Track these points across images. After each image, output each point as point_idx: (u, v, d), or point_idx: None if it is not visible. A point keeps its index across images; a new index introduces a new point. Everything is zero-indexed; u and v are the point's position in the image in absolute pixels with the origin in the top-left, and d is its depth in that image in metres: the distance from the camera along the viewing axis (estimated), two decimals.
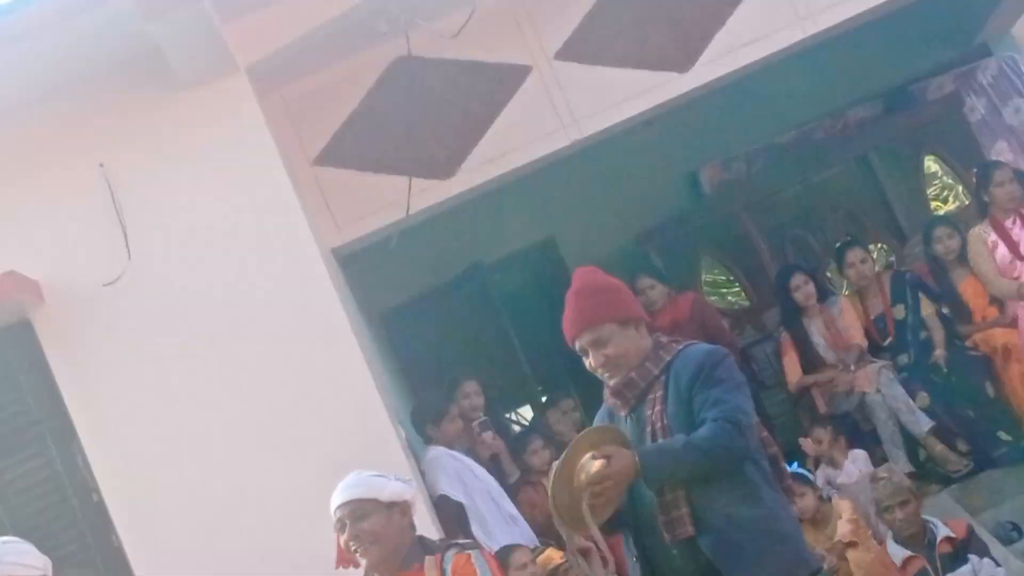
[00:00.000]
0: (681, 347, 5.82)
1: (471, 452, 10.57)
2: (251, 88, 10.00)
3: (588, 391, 13.97)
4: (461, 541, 5.25)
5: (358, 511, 5.18)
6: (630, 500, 5.62)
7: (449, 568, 4.98)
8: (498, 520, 10.20)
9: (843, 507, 10.02)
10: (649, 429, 5.67)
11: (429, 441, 10.39)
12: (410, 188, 10.84)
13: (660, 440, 5.60)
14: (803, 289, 12.02)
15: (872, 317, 11.81)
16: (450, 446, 10.38)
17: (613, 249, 14.74)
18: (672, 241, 13.86)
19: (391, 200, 10.92)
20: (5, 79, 9.45)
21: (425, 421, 10.58)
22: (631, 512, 5.66)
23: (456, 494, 9.85)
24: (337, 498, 5.24)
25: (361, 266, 11.78)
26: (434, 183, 11.00)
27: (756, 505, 5.48)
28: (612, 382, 5.83)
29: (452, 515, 9.78)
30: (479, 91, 11.15)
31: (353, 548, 5.21)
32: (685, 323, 12.24)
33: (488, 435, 11.17)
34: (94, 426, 9.53)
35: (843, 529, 9.88)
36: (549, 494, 5.70)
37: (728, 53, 11.27)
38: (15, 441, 9.89)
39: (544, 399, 13.91)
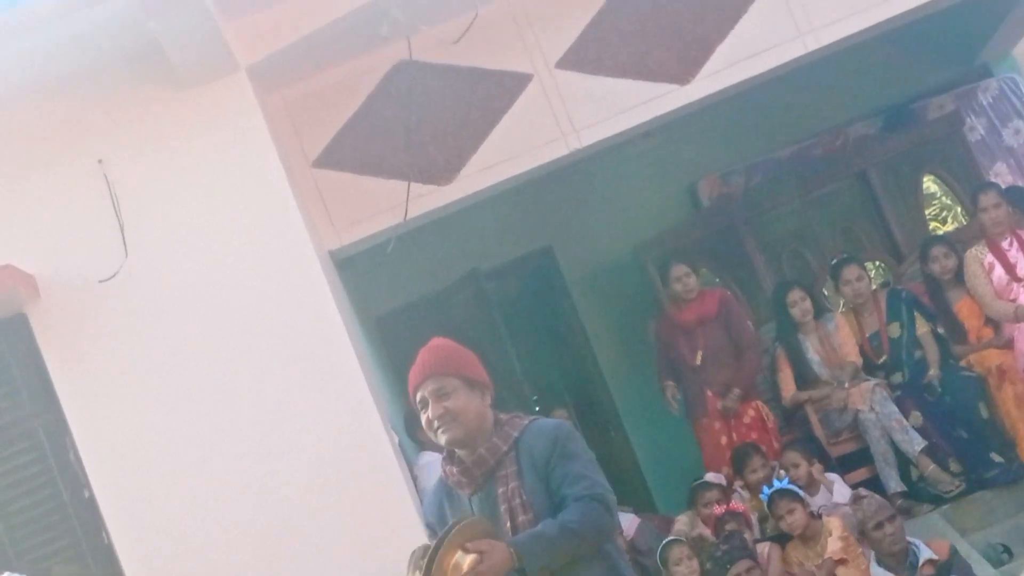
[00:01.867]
0: (526, 422, 5.72)
1: None
2: (252, 88, 10.06)
3: (581, 400, 13.99)
4: None
5: None
6: None
7: None
8: None
9: (834, 524, 10.01)
10: (505, 507, 5.56)
11: (422, 446, 10.44)
12: (408, 193, 10.86)
13: (520, 517, 5.48)
14: (800, 305, 12.10)
15: (867, 335, 11.86)
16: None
17: (610, 259, 15.04)
18: (669, 253, 13.62)
19: (389, 204, 10.94)
20: (4, 73, 9.47)
21: (418, 426, 10.55)
22: None
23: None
24: None
25: (357, 270, 11.82)
26: (432, 188, 11.03)
27: (612, 566, 5.53)
28: (444, 438, 5.59)
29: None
30: (479, 97, 11.21)
31: None
32: (711, 320, 12.55)
33: None
34: (87, 421, 9.61)
35: (834, 547, 9.87)
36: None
37: (729, 66, 11.28)
38: (7, 435, 9.90)
39: (537, 408, 13.82)
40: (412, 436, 10.70)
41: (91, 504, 9.59)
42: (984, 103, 14.51)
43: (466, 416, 5.49)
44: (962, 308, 11.58)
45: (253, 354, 9.68)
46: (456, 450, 5.61)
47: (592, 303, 15.15)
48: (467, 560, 5.17)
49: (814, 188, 14.97)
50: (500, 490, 5.51)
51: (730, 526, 10.37)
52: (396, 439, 10.08)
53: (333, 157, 10.99)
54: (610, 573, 5.48)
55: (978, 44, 14.48)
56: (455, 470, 5.61)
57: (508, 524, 5.44)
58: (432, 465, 9.77)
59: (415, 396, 5.67)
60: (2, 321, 9.82)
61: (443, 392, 5.51)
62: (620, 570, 5.57)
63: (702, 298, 12.47)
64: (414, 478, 10.07)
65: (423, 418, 5.68)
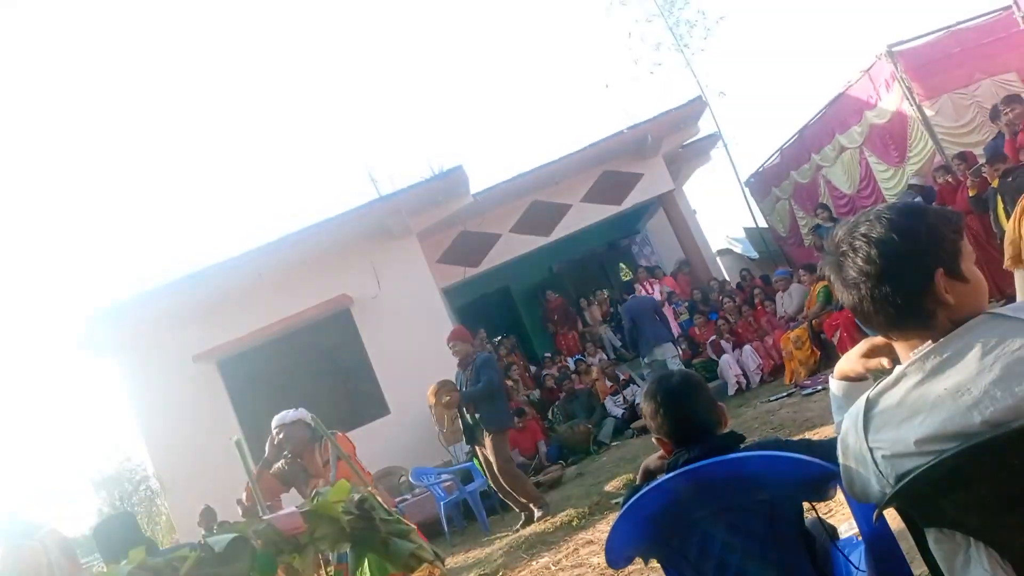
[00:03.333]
0: (479, 352, 5.98)
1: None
2: (417, 239, 10.08)
3: (516, 337, 14.02)
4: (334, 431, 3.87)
5: (283, 430, 3.87)
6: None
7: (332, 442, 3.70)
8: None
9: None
10: (466, 380, 5.80)
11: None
12: (465, 270, 11.24)
13: (468, 385, 5.77)
14: (589, 310, 12.49)
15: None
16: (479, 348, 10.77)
17: (526, 291, 14.23)
18: (546, 287, 13.44)
19: (458, 273, 11.17)
20: (340, 240, 9.60)
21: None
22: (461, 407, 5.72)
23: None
24: (274, 424, 4.00)
25: (451, 294, 11.45)
26: (471, 269, 11.26)
27: (495, 402, 5.71)
28: (459, 359, 5.91)
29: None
30: (484, 242, 11.37)
31: (283, 449, 3.94)
32: (563, 307, 12.50)
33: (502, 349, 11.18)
34: (375, 350, 9.71)
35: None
36: (431, 402, 5.77)
37: (563, 230, 11.42)
38: (344, 353, 9.85)
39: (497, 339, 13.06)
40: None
41: (376, 382, 9.63)
42: (638, 241, 14.69)
43: (462, 351, 5.89)
44: None
45: (421, 323, 9.60)
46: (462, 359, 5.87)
47: (525, 309, 14.31)
48: (446, 396, 5.70)
49: (588, 268, 14.77)
50: (467, 373, 5.85)
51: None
52: None
53: (443, 259, 11.15)
54: (493, 401, 5.73)
55: (636, 223, 14.31)
56: (459, 363, 6.00)
57: (463, 386, 5.82)
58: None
59: (448, 343, 5.99)
60: (341, 311, 9.73)
61: (455, 348, 5.93)
62: (496, 399, 5.75)
63: (557, 299, 12.55)
64: None
65: (453, 351, 5.97)
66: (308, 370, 9.89)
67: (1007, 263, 1.61)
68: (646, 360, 8.80)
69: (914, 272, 1.16)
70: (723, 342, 9.32)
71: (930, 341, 1.17)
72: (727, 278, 12.64)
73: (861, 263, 1.18)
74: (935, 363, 1.14)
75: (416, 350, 9.48)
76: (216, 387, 9.67)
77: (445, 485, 6.99)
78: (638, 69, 21.67)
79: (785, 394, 7.43)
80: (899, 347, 1.23)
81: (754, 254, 14.38)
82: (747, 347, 9.00)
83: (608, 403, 9.54)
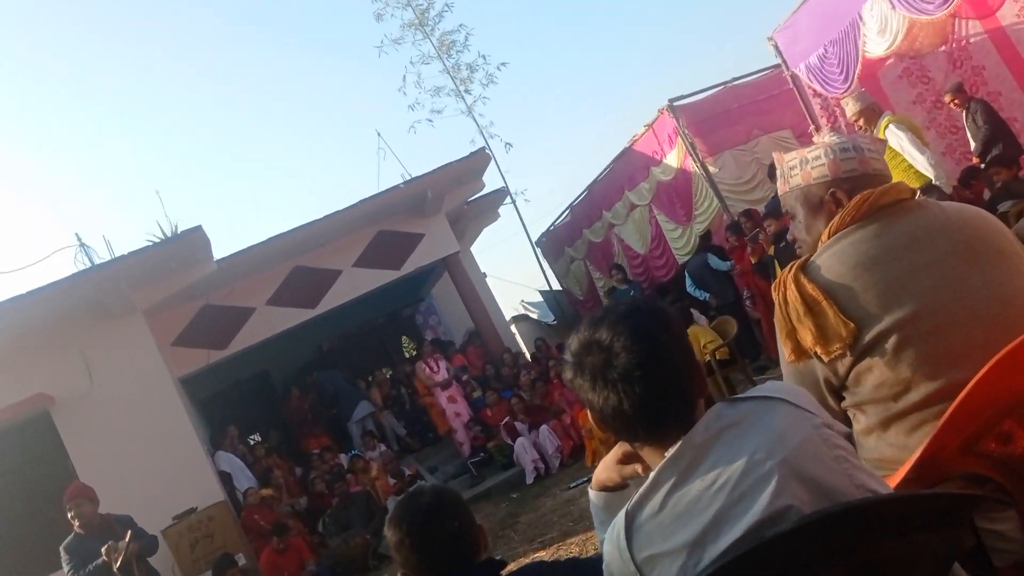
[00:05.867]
0: (114, 514, 5.44)
1: (236, 455, 9.79)
2: (144, 318, 9.30)
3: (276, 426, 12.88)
4: None
5: None
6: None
7: None
8: (243, 481, 9.45)
9: None
10: (128, 540, 5.11)
11: (217, 451, 9.64)
12: (209, 353, 10.37)
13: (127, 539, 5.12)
14: (368, 393, 11.49)
15: None
16: (226, 450, 9.64)
17: (291, 374, 13.37)
18: (312, 368, 12.91)
19: (201, 357, 10.30)
20: (36, 323, 8.66)
21: (216, 443, 9.93)
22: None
23: (228, 469, 9.25)
24: None
25: (192, 383, 10.64)
26: (217, 352, 10.43)
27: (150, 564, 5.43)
28: (81, 523, 5.26)
29: (225, 478, 9.22)
30: (230, 321, 10.58)
31: None
32: (312, 407, 11.71)
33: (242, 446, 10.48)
34: (84, 462, 8.55)
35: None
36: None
37: (333, 300, 10.94)
38: (42, 469, 8.90)
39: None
40: (214, 446, 9.81)
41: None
42: (422, 310, 14.48)
43: (89, 511, 5.23)
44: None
45: (148, 424, 8.85)
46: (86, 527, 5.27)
47: (278, 390, 13.17)
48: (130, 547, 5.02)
49: (365, 343, 14.28)
50: (101, 536, 5.13)
51: None
52: (206, 448, 9.40)
53: (179, 341, 10.24)
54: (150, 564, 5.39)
55: (419, 290, 14.13)
56: (82, 527, 5.24)
57: (94, 556, 5.04)
58: (222, 457, 9.51)
59: (65, 505, 5.36)
60: (40, 416, 8.79)
61: (80, 508, 5.25)
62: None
63: (299, 399, 11.79)
64: (216, 463, 9.31)
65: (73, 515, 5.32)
66: None
67: (789, 357, 1.61)
68: (356, 419, 11.03)
69: (683, 366, 1.22)
70: (518, 423, 9.11)
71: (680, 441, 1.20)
72: (523, 348, 12.98)
73: (626, 364, 1.21)
74: (688, 462, 1.17)
75: (140, 459, 8.67)
76: None
77: None
78: (415, 116, 21.16)
79: (586, 479, 7.41)
80: (648, 452, 1.25)
81: (551, 319, 14.51)
82: (544, 428, 8.88)
83: (390, 505, 8.71)
